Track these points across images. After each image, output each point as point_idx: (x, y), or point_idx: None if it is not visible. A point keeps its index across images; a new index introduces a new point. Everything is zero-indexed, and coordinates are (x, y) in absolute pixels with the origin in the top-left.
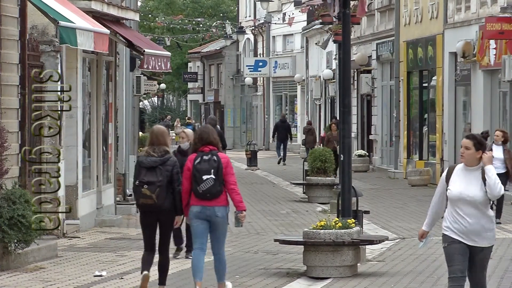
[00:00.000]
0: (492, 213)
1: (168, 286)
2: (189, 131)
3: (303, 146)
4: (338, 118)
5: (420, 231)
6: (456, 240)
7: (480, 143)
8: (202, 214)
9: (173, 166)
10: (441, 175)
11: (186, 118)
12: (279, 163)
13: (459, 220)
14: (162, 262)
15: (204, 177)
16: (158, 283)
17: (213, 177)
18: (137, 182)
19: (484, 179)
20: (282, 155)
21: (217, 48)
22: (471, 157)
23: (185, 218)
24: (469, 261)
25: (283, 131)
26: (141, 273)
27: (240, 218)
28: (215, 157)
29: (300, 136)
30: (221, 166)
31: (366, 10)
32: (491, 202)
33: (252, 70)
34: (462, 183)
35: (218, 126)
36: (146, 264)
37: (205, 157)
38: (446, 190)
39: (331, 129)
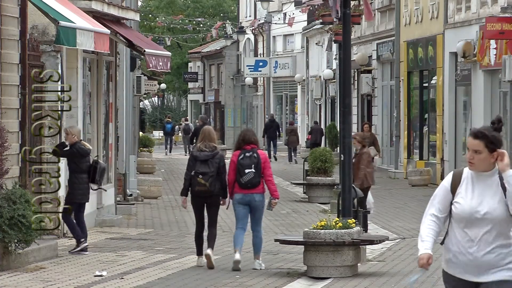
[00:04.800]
0: None
1: (168, 286)
2: (73, 128)
3: (286, 146)
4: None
5: (425, 255)
6: (461, 284)
7: (493, 141)
8: (243, 200)
9: (220, 159)
10: (441, 176)
11: (166, 117)
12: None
13: (466, 249)
14: (210, 233)
15: (246, 170)
16: (207, 246)
17: (253, 170)
18: (193, 172)
19: (504, 188)
20: (273, 153)
21: (218, 48)
22: (484, 163)
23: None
24: None
25: (272, 130)
26: (197, 255)
27: (272, 204)
28: (255, 154)
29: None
30: (260, 161)
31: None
32: None
33: (252, 70)
34: (474, 195)
35: (211, 124)
36: (199, 244)
37: (247, 154)
38: (451, 204)
39: (363, 130)
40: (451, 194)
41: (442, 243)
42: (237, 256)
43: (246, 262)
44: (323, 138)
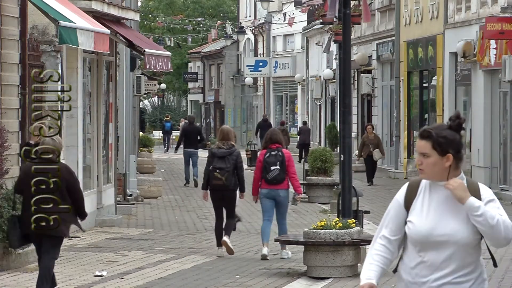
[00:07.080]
0: (483, 262)
1: (168, 286)
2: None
3: None
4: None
5: (365, 285)
6: None
7: (440, 143)
8: (269, 194)
9: (237, 156)
10: None
11: (165, 116)
12: None
13: (421, 279)
14: (228, 223)
15: (272, 167)
16: (224, 234)
17: (279, 167)
18: (211, 167)
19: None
20: None
21: (218, 48)
22: (435, 169)
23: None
24: None
25: (265, 130)
26: (217, 246)
27: (297, 199)
28: (280, 153)
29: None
30: (284, 159)
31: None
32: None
33: (252, 70)
34: (430, 211)
35: (198, 124)
36: (219, 236)
37: (273, 153)
38: (405, 223)
39: (367, 132)
40: (404, 211)
41: (394, 271)
42: (265, 250)
43: (244, 262)
44: (314, 138)
